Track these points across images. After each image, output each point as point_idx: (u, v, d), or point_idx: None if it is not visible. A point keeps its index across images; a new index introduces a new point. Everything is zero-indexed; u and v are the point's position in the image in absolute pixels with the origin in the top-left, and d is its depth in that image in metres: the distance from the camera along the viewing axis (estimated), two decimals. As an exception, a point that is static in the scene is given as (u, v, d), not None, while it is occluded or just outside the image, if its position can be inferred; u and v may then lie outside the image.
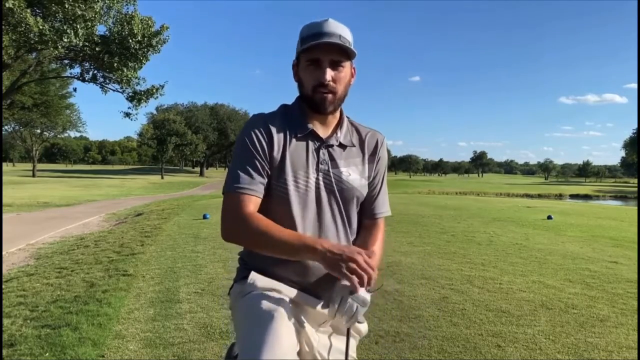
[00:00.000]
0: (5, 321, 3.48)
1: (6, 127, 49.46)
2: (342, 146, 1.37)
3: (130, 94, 19.27)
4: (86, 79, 19.97)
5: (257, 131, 1.29)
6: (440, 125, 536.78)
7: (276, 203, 1.29)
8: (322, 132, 1.36)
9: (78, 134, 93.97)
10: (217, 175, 75.01)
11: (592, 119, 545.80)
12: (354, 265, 1.10)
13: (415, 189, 47.04)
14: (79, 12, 14.79)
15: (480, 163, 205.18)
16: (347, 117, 1.42)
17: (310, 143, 1.33)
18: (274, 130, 1.31)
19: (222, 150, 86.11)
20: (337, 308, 1.18)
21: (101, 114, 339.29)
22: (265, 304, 1.23)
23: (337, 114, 1.38)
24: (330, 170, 1.34)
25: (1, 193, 12.04)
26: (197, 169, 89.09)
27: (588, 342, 3.04)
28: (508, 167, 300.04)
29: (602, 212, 14.91)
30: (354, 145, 1.39)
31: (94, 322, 3.34)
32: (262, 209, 1.29)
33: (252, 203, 1.25)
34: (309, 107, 1.33)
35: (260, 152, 1.28)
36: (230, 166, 1.32)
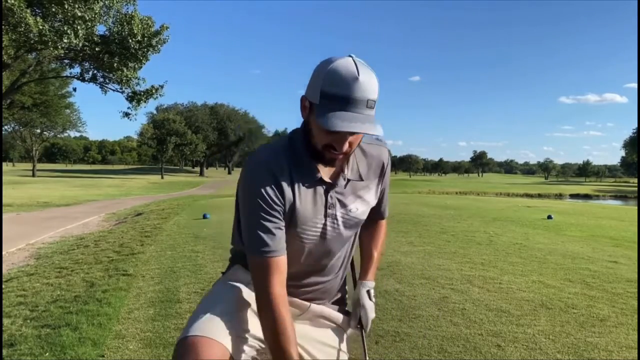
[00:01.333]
0: (5, 321, 3.48)
1: (6, 127, 49.46)
2: (349, 182, 1.31)
3: (129, 94, 19.27)
4: (86, 78, 19.97)
5: (267, 186, 1.20)
6: (440, 125, 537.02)
7: (287, 247, 1.29)
8: (329, 173, 1.29)
9: (78, 134, 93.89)
10: (217, 175, 75.04)
11: (593, 119, 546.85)
12: None
13: (415, 189, 47.07)
14: (79, 14, 14.80)
15: (480, 163, 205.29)
16: None
17: (319, 188, 1.27)
18: (282, 181, 1.22)
19: (222, 150, 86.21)
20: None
21: (101, 114, 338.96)
22: (229, 289, 1.28)
23: None
24: (338, 211, 1.30)
25: (1, 193, 12.07)
26: (197, 169, 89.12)
27: (588, 342, 3.04)
28: (508, 167, 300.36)
29: (602, 212, 14.91)
30: (361, 179, 1.34)
31: (94, 321, 3.34)
32: None
33: (281, 265, 1.21)
34: (314, 157, 1.24)
35: (275, 208, 1.20)
36: (246, 224, 1.23)
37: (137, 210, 14.28)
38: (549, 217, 11.51)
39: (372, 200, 1.40)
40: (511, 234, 8.39)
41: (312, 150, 1.22)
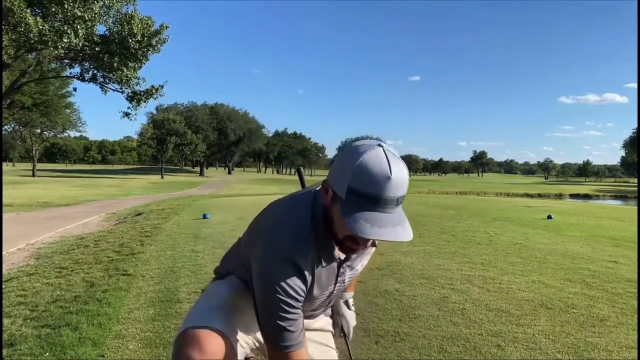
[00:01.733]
0: (5, 321, 3.48)
1: (6, 127, 49.45)
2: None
3: (129, 94, 19.27)
4: (86, 78, 19.97)
5: (291, 283, 1.14)
6: (440, 125, 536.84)
7: None
8: None
9: (78, 134, 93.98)
10: (217, 175, 75.03)
11: (593, 119, 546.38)
12: None
13: (416, 189, 47.03)
14: (79, 13, 14.79)
15: (480, 163, 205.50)
16: None
17: (334, 263, 1.25)
18: (305, 271, 1.16)
19: (222, 150, 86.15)
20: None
21: (101, 113, 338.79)
22: (225, 287, 1.30)
23: None
24: (347, 275, 1.31)
25: (1, 193, 12.06)
26: (197, 169, 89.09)
27: (588, 342, 3.04)
28: (508, 167, 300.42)
29: (602, 212, 14.91)
30: (374, 245, 1.32)
31: (93, 321, 3.34)
32: None
33: (302, 355, 1.18)
34: (334, 241, 1.19)
35: (299, 300, 1.17)
36: (266, 317, 1.16)
37: (137, 210, 14.28)
38: (549, 217, 11.51)
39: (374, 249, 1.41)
40: (511, 234, 8.39)
41: (332, 236, 1.16)
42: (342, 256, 1.24)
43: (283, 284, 1.11)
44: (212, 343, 1.10)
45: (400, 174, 1.03)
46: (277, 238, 1.16)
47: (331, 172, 1.11)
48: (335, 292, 1.33)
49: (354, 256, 1.28)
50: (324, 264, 1.19)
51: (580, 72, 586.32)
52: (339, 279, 1.29)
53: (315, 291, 1.23)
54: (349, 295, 1.60)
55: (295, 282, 1.13)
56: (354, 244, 1.12)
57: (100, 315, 3.49)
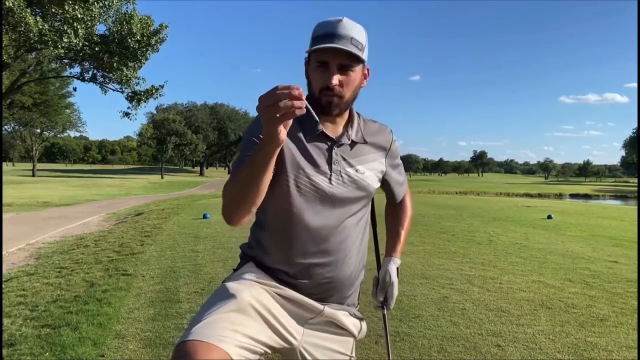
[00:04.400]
0: (5, 321, 3.48)
1: (6, 126, 49.41)
2: (353, 144, 1.34)
3: (129, 94, 19.26)
4: (86, 78, 19.94)
5: (261, 129, 1.24)
6: (440, 124, 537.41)
7: (289, 199, 1.27)
8: (333, 131, 1.32)
9: (78, 134, 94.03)
10: (217, 175, 75.02)
11: (593, 119, 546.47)
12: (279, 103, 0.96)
13: (416, 189, 47.01)
14: (79, 15, 14.77)
15: (480, 162, 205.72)
16: (357, 113, 1.40)
17: (322, 143, 1.30)
18: None
19: (222, 149, 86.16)
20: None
21: (101, 113, 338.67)
22: (233, 291, 1.24)
23: (347, 112, 1.36)
24: (344, 169, 1.31)
25: (1, 193, 12.03)
26: (197, 169, 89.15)
27: (588, 342, 3.04)
28: (508, 167, 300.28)
29: (602, 212, 14.91)
30: (365, 142, 1.37)
31: (94, 321, 3.34)
32: (277, 209, 1.28)
33: None
34: (315, 108, 1.27)
35: None
36: (237, 157, 1.31)
37: (137, 210, 14.28)
38: (549, 217, 11.51)
39: (377, 169, 1.40)
40: (511, 233, 8.39)
41: (312, 101, 1.26)
42: (331, 133, 1.31)
43: (256, 128, 1.24)
44: (209, 357, 1.05)
45: (354, 23, 1.24)
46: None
47: None
48: (334, 182, 1.29)
49: (345, 142, 1.32)
50: (307, 135, 1.28)
51: (580, 71, 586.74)
52: (334, 167, 1.29)
53: (298, 154, 1.25)
54: (399, 262, 1.60)
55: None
56: (327, 92, 1.24)
57: (100, 315, 3.50)
